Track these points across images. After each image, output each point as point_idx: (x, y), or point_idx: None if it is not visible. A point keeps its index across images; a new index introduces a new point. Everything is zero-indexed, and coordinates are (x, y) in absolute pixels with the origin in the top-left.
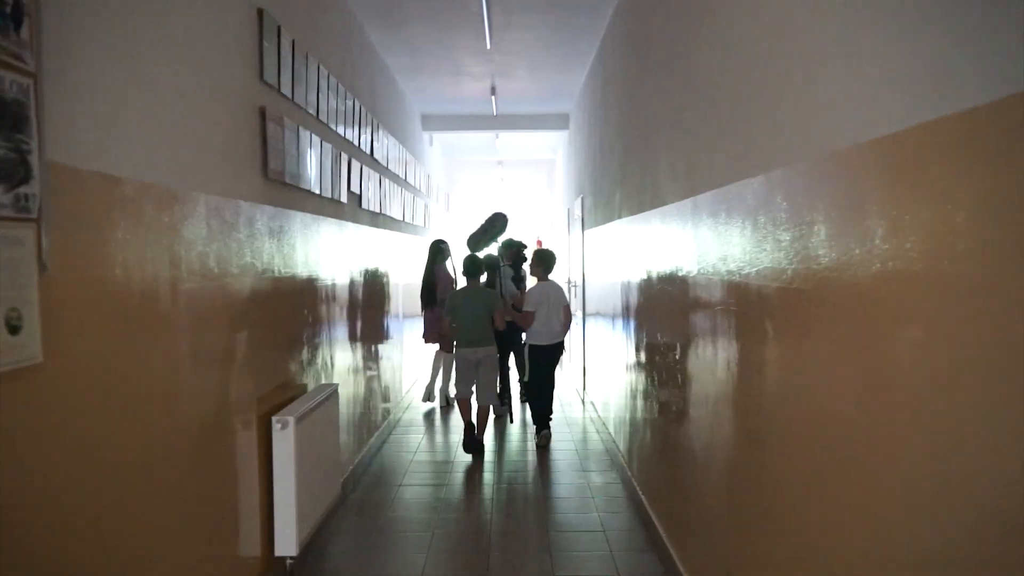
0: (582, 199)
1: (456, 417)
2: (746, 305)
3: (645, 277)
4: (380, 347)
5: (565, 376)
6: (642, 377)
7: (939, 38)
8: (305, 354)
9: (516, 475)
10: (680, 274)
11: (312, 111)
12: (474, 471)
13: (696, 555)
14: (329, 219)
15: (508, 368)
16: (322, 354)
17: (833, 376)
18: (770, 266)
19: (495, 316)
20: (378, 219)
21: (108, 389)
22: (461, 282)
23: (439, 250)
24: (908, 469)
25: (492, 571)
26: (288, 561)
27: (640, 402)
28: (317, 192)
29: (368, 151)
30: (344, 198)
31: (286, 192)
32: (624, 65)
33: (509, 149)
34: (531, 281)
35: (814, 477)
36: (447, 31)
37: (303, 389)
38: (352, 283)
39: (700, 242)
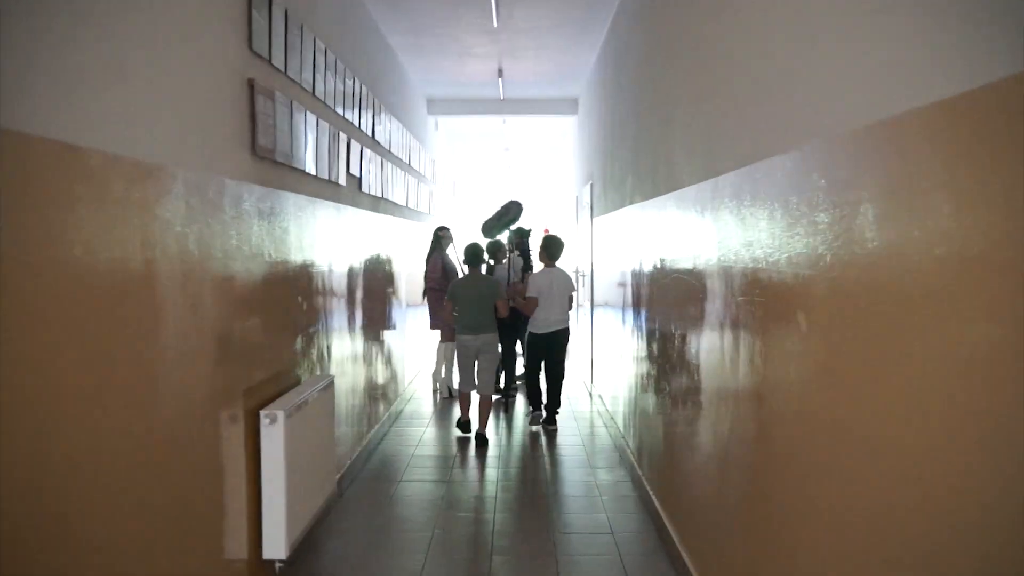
0: (591, 185)
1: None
2: (774, 295)
3: (659, 265)
4: (381, 336)
5: (571, 368)
6: (654, 370)
7: None
8: (299, 344)
9: (521, 471)
10: (698, 261)
11: (308, 87)
12: (477, 467)
13: (711, 561)
14: (326, 202)
15: (516, 355)
16: (318, 344)
17: (877, 378)
18: (804, 252)
19: (497, 304)
20: (379, 204)
21: (69, 382)
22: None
23: (439, 237)
24: (977, 489)
25: None
26: (277, 564)
27: (652, 397)
28: (313, 173)
29: (369, 133)
30: (343, 180)
31: (277, 171)
32: (638, 42)
33: (516, 135)
34: (539, 268)
35: (849, 487)
36: (451, 5)
37: (297, 381)
38: (351, 269)
39: (721, 227)
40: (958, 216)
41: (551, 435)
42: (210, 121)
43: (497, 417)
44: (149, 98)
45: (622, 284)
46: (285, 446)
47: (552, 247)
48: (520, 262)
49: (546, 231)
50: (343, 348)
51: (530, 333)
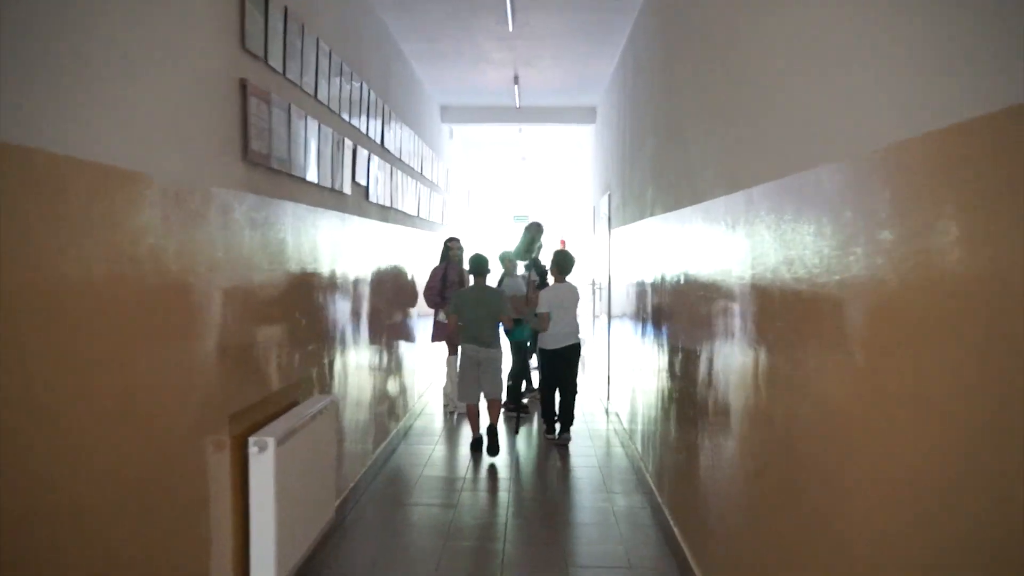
0: (609, 196)
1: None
2: (819, 319)
3: (682, 280)
4: (390, 350)
5: (586, 384)
6: (677, 391)
7: None
8: (296, 363)
9: (533, 496)
10: (727, 279)
11: (309, 91)
12: (488, 489)
13: None
14: (329, 211)
15: (529, 368)
16: (319, 361)
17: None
18: (863, 274)
19: (501, 319)
20: (388, 213)
21: (30, 409)
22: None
23: (448, 248)
24: None
25: None
26: None
27: (674, 420)
28: (314, 181)
29: (378, 140)
30: (348, 189)
31: (274, 179)
32: (660, 48)
33: (533, 144)
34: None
35: (900, 537)
36: (466, 11)
37: (294, 402)
38: (357, 281)
39: (756, 242)
40: None
41: (564, 455)
42: (193, 123)
43: (510, 436)
44: (121, 96)
45: (642, 298)
46: (275, 476)
47: (564, 262)
48: (535, 277)
49: (562, 243)
50: (348, 364)
51: (541, 349)
